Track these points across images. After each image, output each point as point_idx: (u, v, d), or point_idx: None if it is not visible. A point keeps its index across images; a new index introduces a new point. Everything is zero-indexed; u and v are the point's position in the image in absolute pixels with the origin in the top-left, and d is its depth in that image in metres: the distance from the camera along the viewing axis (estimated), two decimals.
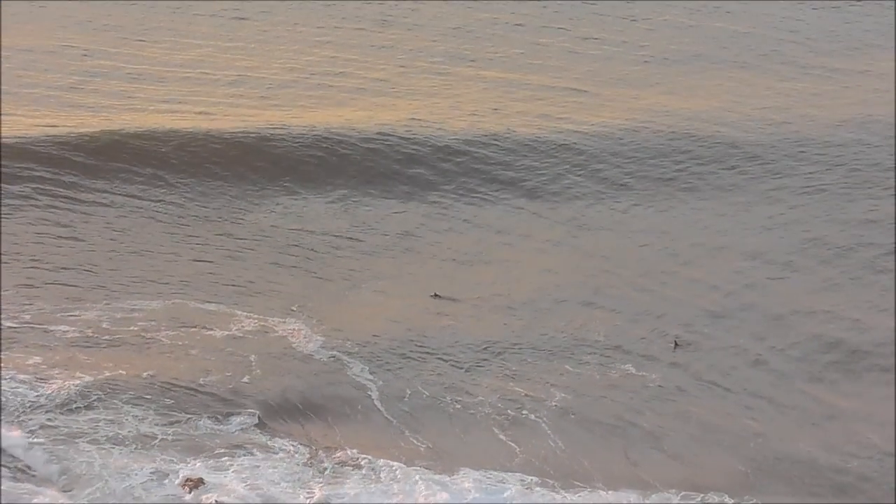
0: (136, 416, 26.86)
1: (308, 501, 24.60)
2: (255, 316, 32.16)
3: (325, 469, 25.77)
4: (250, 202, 40.21)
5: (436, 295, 34.44)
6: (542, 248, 38.21)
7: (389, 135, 44.29)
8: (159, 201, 39.53)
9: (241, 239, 37.56)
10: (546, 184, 42.51)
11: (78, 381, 27.93)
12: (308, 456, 26.17)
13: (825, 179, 43.44)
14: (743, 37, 60.85)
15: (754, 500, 26.20)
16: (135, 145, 41.72)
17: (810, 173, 43.90)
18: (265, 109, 47.21)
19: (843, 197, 42.13)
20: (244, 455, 25.90)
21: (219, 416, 27.24)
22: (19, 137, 41.56)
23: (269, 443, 26.50)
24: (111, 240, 36.76)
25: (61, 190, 39.26)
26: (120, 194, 39.62)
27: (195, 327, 31.25)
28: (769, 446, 28.17)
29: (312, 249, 37.15)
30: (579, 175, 43.30)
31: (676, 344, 32.30)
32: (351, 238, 38.12)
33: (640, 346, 32.13)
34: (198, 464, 25.37)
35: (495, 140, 44.97)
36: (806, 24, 63.86)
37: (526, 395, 29.68)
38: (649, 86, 53.23)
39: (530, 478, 26.16)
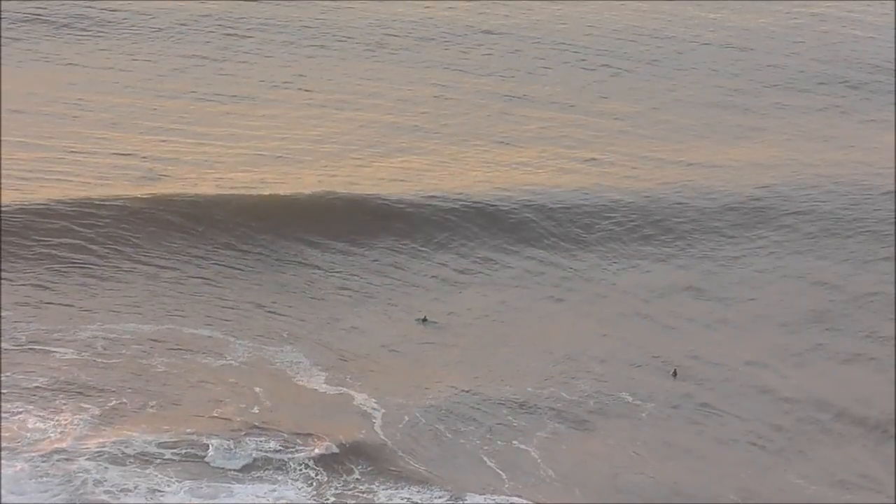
0: (138, 440, 26.68)
1: None
2: (252, 344, 32.05)
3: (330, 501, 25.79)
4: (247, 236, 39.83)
5: (424, 319, 34.45)
6: (534, 272, 38.20)
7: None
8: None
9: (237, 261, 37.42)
10: (541, 218, 42.17)
11: (79, 404, 27.86)
12: (314, 486, 26.12)
13: (828, 218, 43.40)
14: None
15: None
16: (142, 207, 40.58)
17: (812, 211, 43.80)
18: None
19: (845, 238, 42.11)
20: (248, 483, 25.85)
21: (223, 446, 27.03)
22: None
23: (274, 472, 26.38)
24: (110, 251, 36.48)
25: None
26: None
27: (190, 353, 31.10)
28: (768, 476, 28.27)
29: (307, 271, 37.10)
30: (576, 202, 43.06)
31: (676, 373, 32.35)
32: (344, 261, 38.06)
33: (637, 374, 32.15)
34: (196, 491, 25.27)
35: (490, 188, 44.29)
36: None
37: (517, 423, 29.68)
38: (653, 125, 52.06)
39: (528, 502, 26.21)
